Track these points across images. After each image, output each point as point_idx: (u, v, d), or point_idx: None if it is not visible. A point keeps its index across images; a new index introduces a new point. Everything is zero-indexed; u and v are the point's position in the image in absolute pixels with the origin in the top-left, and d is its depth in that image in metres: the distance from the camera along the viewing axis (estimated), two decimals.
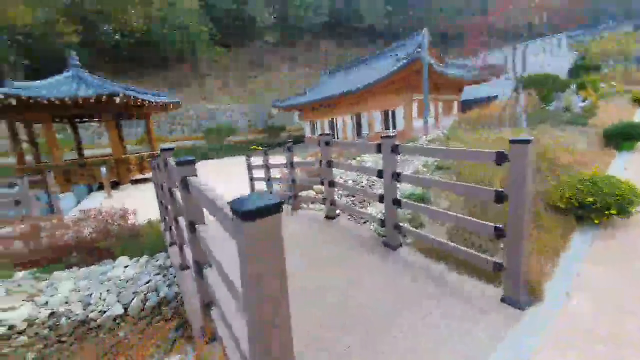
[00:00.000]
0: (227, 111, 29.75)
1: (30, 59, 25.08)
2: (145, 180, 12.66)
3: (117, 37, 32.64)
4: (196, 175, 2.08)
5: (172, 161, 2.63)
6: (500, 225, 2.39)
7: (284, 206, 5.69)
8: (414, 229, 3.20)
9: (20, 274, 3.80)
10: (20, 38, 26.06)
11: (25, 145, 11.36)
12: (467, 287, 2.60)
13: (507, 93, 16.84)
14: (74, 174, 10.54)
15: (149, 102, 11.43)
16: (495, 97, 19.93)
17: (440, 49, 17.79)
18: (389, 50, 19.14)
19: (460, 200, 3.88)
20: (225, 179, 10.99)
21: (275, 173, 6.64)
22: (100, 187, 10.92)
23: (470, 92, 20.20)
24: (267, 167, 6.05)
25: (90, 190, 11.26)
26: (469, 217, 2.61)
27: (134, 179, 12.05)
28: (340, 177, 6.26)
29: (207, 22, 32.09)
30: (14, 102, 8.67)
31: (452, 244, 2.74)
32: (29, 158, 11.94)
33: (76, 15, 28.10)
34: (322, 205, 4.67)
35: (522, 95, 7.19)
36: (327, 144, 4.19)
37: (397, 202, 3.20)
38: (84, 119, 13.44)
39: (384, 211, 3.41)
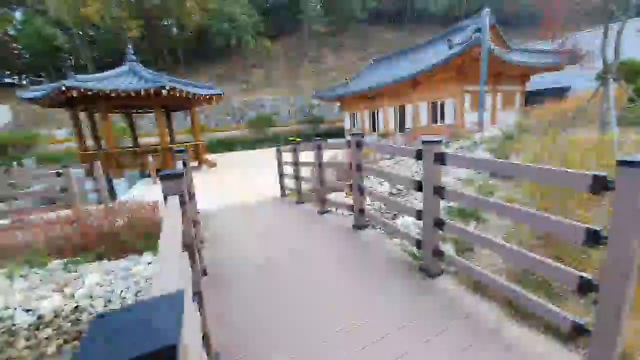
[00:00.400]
0: (270, 102, 30.18)
1: (100, 53, 27.81)
2: None
3: (174, 30, 34.89)
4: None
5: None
6: (590, 277, 1.69)
7: (310, 208, 5.32)
8: (462, 260, 2.56)
9: (54, 263, 3.99)
10: (93, 33, 29.11)
11: (88, 133, 12.57)
12: (538, 348, 1.94)
13: (581, 84, 14.24)
14: (126, 161, 11.37)
15: (192, 94, 11.79)
16: (568, 88, 17.11)
17: (505, 31, 15.61)
18: (442, 36, 17.41)
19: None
20: (257, 171, 11.03)
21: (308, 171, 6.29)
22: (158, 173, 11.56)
23: (536, 82, 17.61)
24: (296, 164, 5.69)
25: (142, 177, 12.09)
26: (549, 261, 1.92)
27: None
28: (378, 183, 5.68)
29: (254, 14, 32.53)
30: (75, 93, 9.49)
31: (518, 289, 2.07)
32: (90, 144, 13.18)
33: (139, 10, 30.48)
34: (352, 212, 4.17)
35: (613, 87, 5.75)
36: (358, 145, 3.65)
37: (439, 224, 2.59)
38: (139, 110, 14.45)
39: (420, 230, 2.81)
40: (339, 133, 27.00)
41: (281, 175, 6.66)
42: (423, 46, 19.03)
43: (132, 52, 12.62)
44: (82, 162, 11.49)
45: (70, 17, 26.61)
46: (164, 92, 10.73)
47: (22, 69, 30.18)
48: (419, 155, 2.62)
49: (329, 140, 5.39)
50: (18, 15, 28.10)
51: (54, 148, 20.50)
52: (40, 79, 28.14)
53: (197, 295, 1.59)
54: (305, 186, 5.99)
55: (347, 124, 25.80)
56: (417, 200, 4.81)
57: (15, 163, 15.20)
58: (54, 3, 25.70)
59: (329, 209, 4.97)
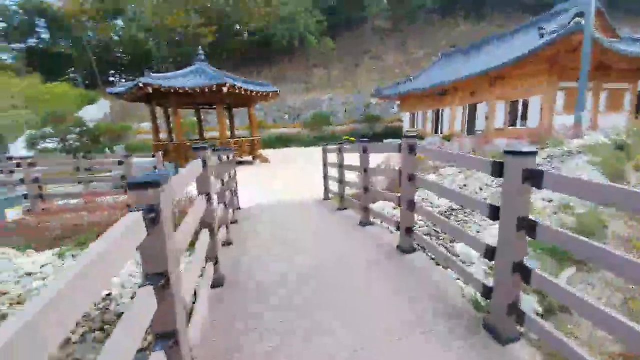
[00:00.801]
0: (327, 101, 30.10)
1: (180, 55, 31.08)
2: (239, 163, 13.77)
3: (241, 33, 37.24)
4: None
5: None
6: None
7: (351, 216, 4.73)
8: (551, 329, 1.72)
9: None
10: (177, 38, 32.72)
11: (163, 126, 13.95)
12: None
13: None
14: (190, 152, 12.25)
15: (250, 91, 12.13)
16: None
17: (613, 17, 12.59)
18: (530, 24, 14.90)
19: None
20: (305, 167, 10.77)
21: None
22: None
23: None
24: (340, 166, 5.16)
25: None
26: None
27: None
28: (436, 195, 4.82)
29: (317, 13, 32.68)
30: (149, 89, 10.48)
31: None
32: (164, 136, 14.59)
33: (212, 18, 33.23)
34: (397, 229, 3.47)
35: None
36: (410, 150, 2.94)
37: (522, 271, 1.79)
38: (205, 106, 15.54)
39: (490, 272, 2.02)
40: (396, 133, 25.50)
41: (325, 176, 6.21)
42: (505, 37, 16.58)
43: (202, 53, 13.55)
44: (154, 152, 12.76)
45: (158, 25, 30.50)
46: (224, 89, 11.22)
47: (121, 69, 35.66)
48: (497, 170, 1.85)
49: (385, 141, 4.68)
50: (119, 23, 33.17)
51: (141, 138, 23.56)
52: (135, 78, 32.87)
53: None
54: (349, 191, 5.42)
55: (406, 124, 24.25)
56: (486, 222, 3.85)
57: (107, 150, 17.87)
58: (146, 13, 29.70)
59: (372, 220, 4.33)
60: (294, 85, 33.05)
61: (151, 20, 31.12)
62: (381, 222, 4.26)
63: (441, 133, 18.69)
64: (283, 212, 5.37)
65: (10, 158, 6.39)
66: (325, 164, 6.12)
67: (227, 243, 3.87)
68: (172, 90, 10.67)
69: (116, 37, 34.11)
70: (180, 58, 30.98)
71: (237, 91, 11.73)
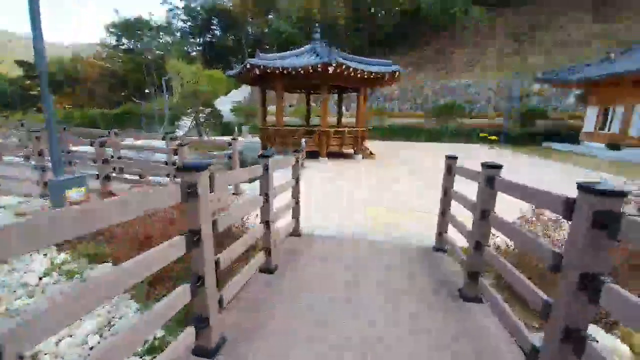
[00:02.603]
0: (464, 87, 24.34)
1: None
2: (340, 156, 12.02)
3: (381, 17, 34.65)
4: None
5: None
6: None
7: (494, 335, 2.09)
8: None
9: None
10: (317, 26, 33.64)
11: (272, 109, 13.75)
12: None
13: None
14: (289, 140, 11.42)
15: (362, 72, 9.97)
16: None
17: None
18: None
19: None
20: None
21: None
22: (313, 155, 11.02)
23: None
24: (483, 216, 2.45)
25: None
26: None
27: (332, 152, 11.65)
28: None
29: None
30: (257, 71, 9.94)
31: None
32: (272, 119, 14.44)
33: (350, 2, 32.03)
34: None
35: None
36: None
37: None
38: (314, 91, 14.48)
39: None
40: (570, 136, 17.90)
41: (444, 212, 3.47)
42: None
43: (318, 31, 12.21)
44: (260, 136, 12.69)
45: (300, 16, 32.05)
46: (329, 69, 9.52)
47: None
48: None
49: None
50: (271, 17, 36.76)
51: (270, 119, 25.60)
52: None
53: None
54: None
55: (589, 122, 16.56)
56: None
57: (236, 129, 20.02)
58: (292, 6, 31.67)
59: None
60: (431, 71, 28.41)
61: (296, 12, 33.04)
62: None
63: None
64: (351, 262, 3.18)
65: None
66: (446, 192, 3.39)
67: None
68: (276, 72, 9.82)
69: (266, 30, 38.28)
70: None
71: (345, 72, 9.82)
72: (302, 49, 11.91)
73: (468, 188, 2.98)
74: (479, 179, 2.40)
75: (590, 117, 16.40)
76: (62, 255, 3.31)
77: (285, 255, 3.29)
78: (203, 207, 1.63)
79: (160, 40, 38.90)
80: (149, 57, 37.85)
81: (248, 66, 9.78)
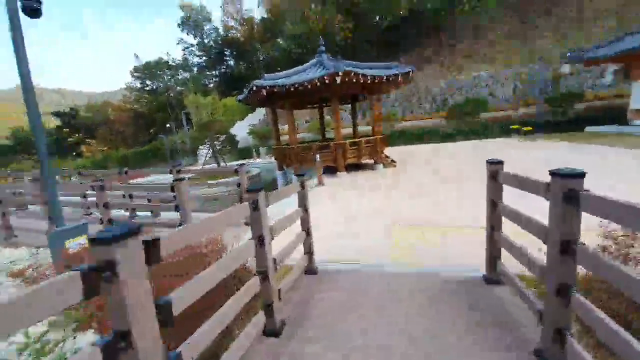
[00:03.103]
0: (482, 80, 22.90)
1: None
2: (359, 167, 11.31)
3: (378, 21, 34.28)
4: None
5: None
6: None
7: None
8: None
9: None
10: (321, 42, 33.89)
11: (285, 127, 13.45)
12: None
13: None
14: (304, 157, 10.93)
15: (370, 77, 9.39)
16: None
17: None
18: None
19: None
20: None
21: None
22: (331, 170, 10.48)
23: None
24: (568, 252, 1.69)
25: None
26: None
27: (351, 164, 10.97)
28: None
29: None
30: (264, 92, 9.66)
31: None
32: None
33: (349, 12, 32.00)
34: None
35: None
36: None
37: None
38: (326, 104, 14.04)
39: None
40: (616, 115, 15.96)
41: (493, 230, 2.68)
42: None
43: (322, 44, 11.89)
44: (274, 156, 12.35)
45: (305, 32, 32.50)
46: (337, 79, 9.03)
47: None
48: None
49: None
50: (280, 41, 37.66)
51: (284, 139, 25.61)
52: None
53: None
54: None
55: (637, 99, 14.63)
56: None
57: (254, 151, 20.05)
58: (296, 27, 32.28)
59: None
60: (434, 70, 27.29)
61: (300, 31, 33.62)
62: None
63: None
64: (382, 305, 2.48)
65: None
66: (494, 205, 2.61)
67: None
68: (282, 90, 9.49)
69: (276, 53, 39.22)
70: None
71: (354, 80, 9.28)
72: (308, 63, 11.58)
73: (522, 201, 2.19)
74: (546, 193, 1.67)
75: (638, 92, 14.48)
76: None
77: (297, 306, 2.64)
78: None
79: (179, 77, 41.10)
80: (171, 94, 40.07)
81: (254, 88, 9.54)
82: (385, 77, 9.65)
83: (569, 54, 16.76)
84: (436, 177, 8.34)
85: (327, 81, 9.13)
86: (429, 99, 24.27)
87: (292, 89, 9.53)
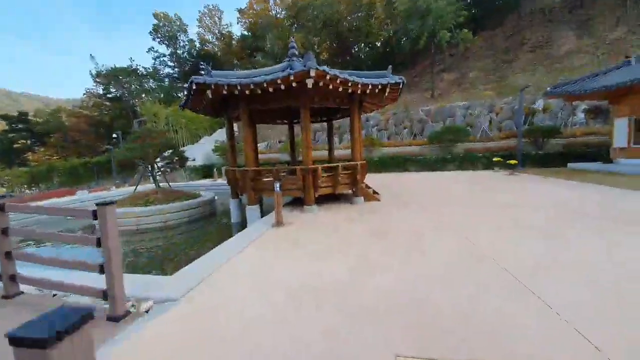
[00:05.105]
0: (461, 109, 21.84)
1: None
2: (335, 199, 8.59)
3: (361, 48, 33.53)
4: None
5: None
6: None
7: None
8: None
9: None
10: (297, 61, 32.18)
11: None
12: None
13: None
14: (263, 183, 7.97)
15: (352, 84, 6.89)
16: None
17: None
18: None
19: None
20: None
21: None
22: (297, 201, 7.87)
23: None
24: None
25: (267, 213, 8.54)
26: None
27: (325, 195, 8.19)
28: None
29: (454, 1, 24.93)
30: (209, 94, 6.76)
31: None
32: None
33: (332, 35, 30.93)
34: None
35: None
36: None
37: None
38: (297, 120, 11.43)
39: None
40: (597, 153, 14.88)
41: None
42: None
43: (294, 46, 9.40)
44: (227, 180, 9.26)
45: (285, 52, 30.80)
46: (308, 82, 6.42)
47: None
48: None
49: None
50: (259, 59, 35.53)
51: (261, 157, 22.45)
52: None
53: None
54: None
55: (620, 136, 13.61)
56: None
57: (215, 171, 16.79)
58: (271, 42, 30.42)
59: None
60: (416, 95, 26.25)
61: (280, 50, 31.83)
62: None
63: None
64: None
65: None
66: None
67: None
68: (235, 92, 6.70)
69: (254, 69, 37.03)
70: None
71: (331, 85, 6.73)
72: (277, 66, 8.95)
73: None
74: None
75: (621, 130, 13.51)
76: None
77: None
78: None
79: (146, 86, 37.10)
80: (135, 103, 35.76)
81: (194, 87, 6.62)
82: (371, 86, 7.19)
83: (548, 88, 15.87)
84: (436, 222, 5.74)
85: (294, 83, 6.48)
86: (407, 124, 22.71)
87: (247, 92, 6.74)
